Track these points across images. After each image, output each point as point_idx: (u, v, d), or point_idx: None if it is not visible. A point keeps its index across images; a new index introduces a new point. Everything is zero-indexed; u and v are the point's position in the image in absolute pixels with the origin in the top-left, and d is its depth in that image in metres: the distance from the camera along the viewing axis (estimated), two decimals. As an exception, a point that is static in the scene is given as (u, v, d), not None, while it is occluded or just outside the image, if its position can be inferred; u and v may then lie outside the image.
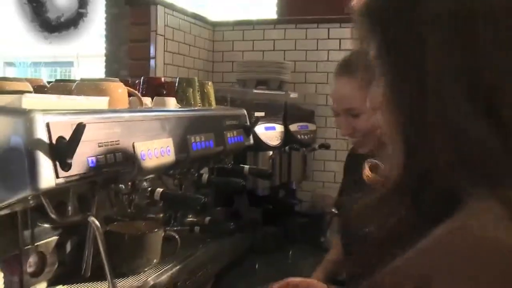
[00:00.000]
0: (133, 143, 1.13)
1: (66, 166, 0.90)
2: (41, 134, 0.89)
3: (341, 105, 1.32)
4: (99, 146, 1.03)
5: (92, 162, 0.99)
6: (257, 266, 1.79)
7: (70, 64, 8.22)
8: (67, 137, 0.92)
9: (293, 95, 2.22)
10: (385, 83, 0.61)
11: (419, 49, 0.57)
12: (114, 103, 1.26)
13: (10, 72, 8.29)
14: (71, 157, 0.90)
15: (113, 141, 1.07)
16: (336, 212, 1.58)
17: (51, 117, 0.92)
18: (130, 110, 1.25)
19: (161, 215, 1.55)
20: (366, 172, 0.83)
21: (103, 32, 3.42)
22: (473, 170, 0.53)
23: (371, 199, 0.64)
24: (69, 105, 1.08)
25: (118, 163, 1.07)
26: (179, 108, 1.54)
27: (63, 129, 0.93)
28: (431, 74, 0.56)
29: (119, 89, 1.31)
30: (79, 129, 0.91)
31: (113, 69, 3.22)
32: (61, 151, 0.89)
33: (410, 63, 0.57)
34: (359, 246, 0.66)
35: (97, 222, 0.95)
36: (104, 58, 3.39)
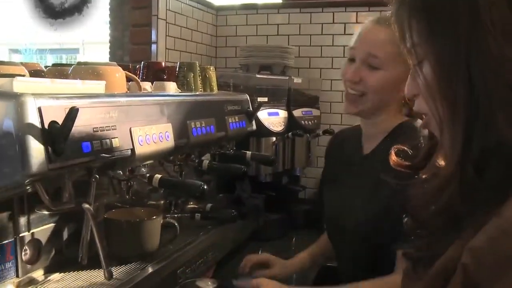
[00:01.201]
0: (130, 128, 1.11)
1: (59, 152, 0.87)
2: (32, 118, 0.86)
3: (366, 48, 1.21)
4: (94, 131, 1.00)
5: (87, 147, 0.96)
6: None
7: (75, 51, 8.19)
8: (60, 121, 0.89)
9: (296, 80, 2.18)
10: (433, 67, 0.59)
11: (473, 22, 0.56)
12: (111, 88, 1.23)
13: (16, 59, 8.26)
14: (64, 142, 0.87)
15: (109, 126, 1.05)
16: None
17: (43, 101, 0.89)
18: (128, 94, 1.22)
19: (162, 201, 1.54)
20: (393, 157, 0.82)
21: (108, 18, 3.39)
22: None
23: (431, 184, 0.63)
24: (63, 89, 1.05)
25: (114, 149, 1.05)
26: (180, 93, 1.51)
27: (56, 113, 0.90)
28: (492, 48, 0.55)
29: (117, 73, 1.28)
30: (72, 113, 0.88)
31: (118, 55, 3.19)
32: (54, 136, 0.87)
33: (466, 40, 0.56)
34: (423, 230, 0.66)
35: (91, 209, 0.93)
36: (109, 45, 3.36)
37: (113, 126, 1.06)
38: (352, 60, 1.24)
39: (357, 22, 2.42)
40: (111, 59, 3.24)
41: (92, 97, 1.04)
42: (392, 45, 1.16)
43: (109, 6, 3.33)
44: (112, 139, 1.05)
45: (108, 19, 3.36)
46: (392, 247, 1.10)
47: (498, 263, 0.49)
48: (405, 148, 0.88)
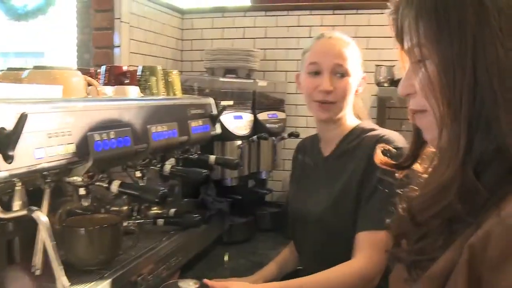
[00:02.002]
0: (87, 133, 1.09)
1: (8, 159, 0.85)
2: (-21, 124, 0.84)
3: (332, 60, 1.34)
4: (49, 137, 0.98)
5: (40, 153, 0.94)
6: (226, 257, 1.76)
7: (41, 54, 8.00)
8: (11, 128, 0.87)
9: (261, 83, 2.18)
10: (438, 67, 0.60)
11: (481, 26, 0.57)
12: (69, 92, 1.21)
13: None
14: (13, 149, 0.85)
15: (64, 132, 1.03)
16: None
17: (-9, 107, 0.87)
18: (84, 99, 1.20)
19: (125, 207, 1.51)
20: (379, 155, 0.84)
21: (75, 21, 3.33)
22: None
23: (431, 187, 0.63)
24: (16, 94, 1.02)
25: (70, 155, 1.02)
26: (141, 97, 1.49)
27: (6, 119, 0.88)
28: (498, 52, 0.56)
29: (74, 78, 1.25)
30: (21, 119, 0.86)
31: (85, 59, 3.14)
32: (2, 143, 0.84)
33: (473, 43, 0.57)
34: (418, 233, 0.67)
35: (42, 217, 0.90)
36: (76, 48, 3.30)
37: (68, 131, 1.04)
38: (316, 73, 1.37)
39: (322, 25, 2.44)
40: (78, 63, 3.19)
41: (47, 102, 1.02)
42: (349, 53, 1.36)
43: (76, 9, 3.28)
44: (68, 145, 1.03)
45: (74, 21, 3.31)
46: (351, 236, 1.26)
47: (499, 255, 0.50)
48: (390, 148, 0.89)
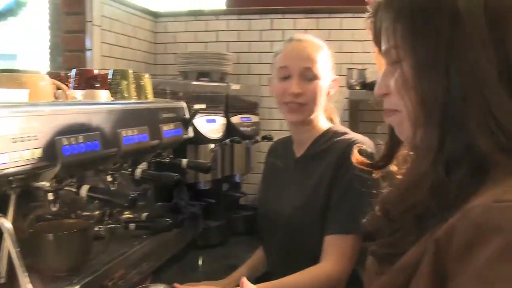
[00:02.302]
0: (54, 138, 1.07)
1: (-30, 164, 0.84)
2: None
3: (300, 64, 1.34)
4: (13, 142, 0.96)
5: (3, 159, 0.92)
6: (200, 261, 1.76)
7: (13, 57, 7.84)
8: (-27, 133, 0.86)
9: (234, 86, 2.19)
10: (413, 68, 0.63)
11: (454, 30, 0.60)
12: (35, 96, 1.19)
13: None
14: (-26, 154, 0.83)
15: (30, 136, 1.01)
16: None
17: (-48, 111, 0.85)
18: (51, 103, 1.18)
19: (97, 212, 1.50)
20: (355, 155, 0.85)
21: (48, 24, 3.29)
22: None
23: (404, 183, 0.66)
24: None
25: (36, 160, 1.01)
26: (111, 101, 1.48)
27: (-33, 124, 0.86)
28: (468, 55, 0.59)
29: (41, 82, 1.24)
30: (-17, 124, 0.84)
31: (58, 62, 3.10)
32: (-37, 148, 0.83)
33: (446, 46, 0.60)
34: (391, 227, 0.68)
35: (5, 223, 0.89)
36: (49, 51, 3.26)
37: (34, 136, 1.02)
38: (286, 77, 1.37)
39: (294, 29, 2.46)
40: (51, 66, 3.14)
41: (10, 107, 1.00)
42: (318, 56, 1.36)
43: (48, 11, 3.24)
44: (34, 150, 1.01)
45: (47, 24, 3.26)
46: (317, 241, 1.27)
47: (463, 245, 0.51)
48: (365, 148, 0.91)
